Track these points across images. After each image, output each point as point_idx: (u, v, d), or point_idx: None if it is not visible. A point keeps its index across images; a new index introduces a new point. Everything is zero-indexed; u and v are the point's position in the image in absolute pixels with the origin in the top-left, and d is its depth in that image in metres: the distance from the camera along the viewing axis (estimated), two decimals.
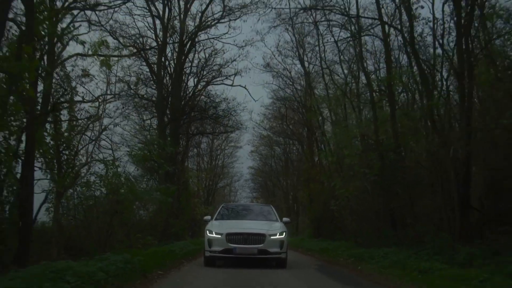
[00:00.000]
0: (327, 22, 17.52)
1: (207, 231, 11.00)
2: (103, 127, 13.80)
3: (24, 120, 9.57)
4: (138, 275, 7.75)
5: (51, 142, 13.07)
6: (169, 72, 22.68)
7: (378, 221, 14.71)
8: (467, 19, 10.46)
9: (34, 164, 9.74)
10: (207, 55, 23.56)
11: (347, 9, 17.31)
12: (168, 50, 22.04)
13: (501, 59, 10.02)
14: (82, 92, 14.43)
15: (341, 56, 20.26)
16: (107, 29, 17.19)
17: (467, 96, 10.28)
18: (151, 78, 22.32)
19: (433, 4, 12.97)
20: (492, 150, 11.12)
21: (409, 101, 16.56)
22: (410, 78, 14.79)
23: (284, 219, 12.36)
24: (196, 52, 23.36)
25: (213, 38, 22.62)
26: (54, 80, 12.78)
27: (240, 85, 23.19)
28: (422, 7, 13.29)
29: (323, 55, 21.36)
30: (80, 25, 12.39)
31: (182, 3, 21.78)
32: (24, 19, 8.95)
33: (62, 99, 13.65)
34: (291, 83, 27.60)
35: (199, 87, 23.98)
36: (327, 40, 20.42)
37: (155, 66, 21.68)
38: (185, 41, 22.01)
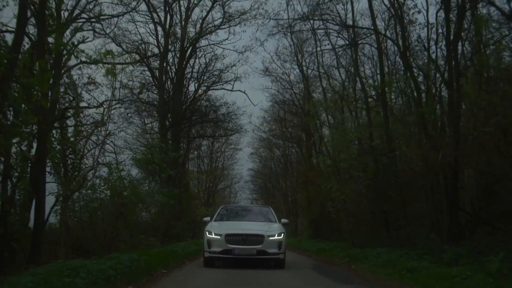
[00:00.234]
0: (325, 30, 18.07)
1: (207, 232, 11.12)
2: (107, 132, 14.31)
3: (34, 127, 10.14)
4: (144, 273, 8.31)
5: (58, 147, 13.64)
6: (170, 76, 23.28)
7: (373, 222, 15.24)
8: (455, 30, 10.99)
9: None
10: (207, 60, 24.22)
11: (344, 17, 17.98)
12: (169, 55, 22.62)
13: (485, 69, 10.53)
14: (88, 99, 15.03)
15: (339, 62, 20.87)
16: (111, 36, 17.71)
17: (455, 104, 10.81)
18: (153, 83, 22.91)
19: (427, 11, 13.45)
20: (482, 154, 11.66)
21: (405, 106, 17.12)
22: (405, 84, 15.35)
23: (283, 220, 12.54)
24: (197, 58, 23.98)
25: (213, 44, 23.26)
26: (61, 87, 13.36)
27: (239, 90, 23.80)
28: (416, 19, 13.90)
29: (320, 60, 21.95)
30: (87, 37, 12.83)
31: (183, 9, 22.42)
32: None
33: (68, 105, 14.23)
34: (290, 87, 28.15)
35: (200, 91, 24.58)
36: (325, 45, 20.99)
37: (156, 71, 22.28)
38: (186, 47, 22.60)
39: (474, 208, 12.65)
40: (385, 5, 14.61)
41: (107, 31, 17.77)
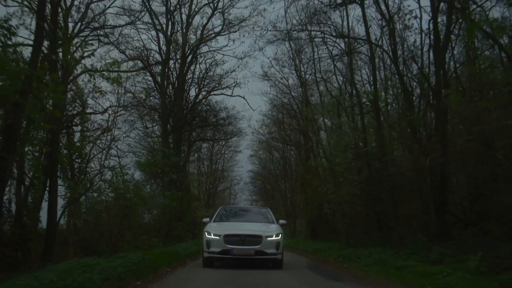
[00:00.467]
0: (322, 38, 18.73)
1: (206, 233, 11.18)
2: (112, 137, 14.97)
3: (44, 134, 10.82)
4: (150, 271, 8.98)
5: (65, 151, 14.32)
6: (172, 81, 23.95)
7: (366, 223, 15.93)
8: (443, 42, 11.68)
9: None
10: (207, 66, 24.90)
11: (340, 24, 18.64)
12: (171, 62, 23.30)
13: (468, 81, 11.22)
14: (93, 105, 15.72)
15: (335, 67, 21.51)
16: (115, 44, 18.36)
17: (442, 113, 11.48)
18: (155, 88, 23.59)
19: (420, 19, 14.08)
20: (468, 160, 12.33)
21: (400, 110, 17.77)
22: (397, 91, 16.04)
23: (281, 221, 12.66)
24: (198, 63, 24.66)
25: (213, 50, 23.93)
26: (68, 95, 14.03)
27: (239, 95, 24.49)
28: (412, 24, 14.46)
29: (318, 65, 22.58)
30: (95, 49, 13.50)
31: (184, 17, 23.11)
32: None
33: (76, 113, 14.92)
34: (288, 91, 28.78)
35: (200, 96, 25.26)
36: (323, 50, 21.61)
37: (158, 76, 22.96)
38: (187, 53, 23.28)
39: (463, 209, 13.34)
40: (379, 12, 15.25)
41: (111, 38, 18.46)
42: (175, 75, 23.78)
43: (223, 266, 11.08)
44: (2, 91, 7.60)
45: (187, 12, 22.92)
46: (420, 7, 13.56)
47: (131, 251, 11.48)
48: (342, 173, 16.47)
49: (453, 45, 12.33)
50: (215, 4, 22.70)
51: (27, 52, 10.64)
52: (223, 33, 23.65)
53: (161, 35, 22.43)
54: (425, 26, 15.89)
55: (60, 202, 13.48)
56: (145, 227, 18.04)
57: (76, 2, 14.18)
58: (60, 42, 11.55)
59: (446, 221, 12.35)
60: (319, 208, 22.04)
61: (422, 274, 8.79)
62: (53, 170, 9.86)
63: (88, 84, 13.26)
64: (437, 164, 11.40)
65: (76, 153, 15.22)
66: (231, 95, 24.36)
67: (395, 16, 14.53)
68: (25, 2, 9.18)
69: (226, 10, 23.08)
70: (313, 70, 23.12)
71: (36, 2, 9.31)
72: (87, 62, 12.55)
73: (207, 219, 12.61)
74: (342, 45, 19.33)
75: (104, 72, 14.20)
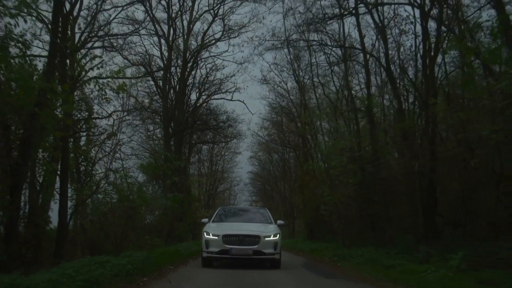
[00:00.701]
0: (319, 45, 19.38)
1: (205, 233, 11.30)
2: (117, 141, 15.60)
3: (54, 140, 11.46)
4: (155, 269, 9.65)
5: (71, 155, 14.95)
6: (173, 85, 24.62)
7: (361, 224, 16.58)
8: (431, 55, 12.35)
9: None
10: (208, 70, 25.58)
11: (337, 31, 19.28)
12: (172, 67, 23.95)
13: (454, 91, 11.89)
14: (97, 110, 16.35)
15: (333, 72, 22.16)
16: (119, 51, 19.01)
17: (430, 120, 12.15)
18: (157, 92, 24.27)
19: (415, 25, 14.71)
20: (455, 164, 12.99)
21: (394, 116, 18.43)
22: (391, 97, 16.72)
23: (279, 221, 12.79)
24: (198, 68, 25.34)
25: (214, 55, 24.60)
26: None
27: (238, 100, 25.16)
28: (409, 28, 15.02)
29: (315, 70, 23.23)
30: (101, 60, 14.07)
31: (185, 23, 23.77)
32: None
33: (81, 118, 15.55)
34: (287, 95, 29.43)
35: (201, 100, 25.93)
36: (320, 55, 22.25)
37: (160, 81, 23.63)
38: (188, 59, 23.93)
39: (454, 211, 13.99)
40: (373, 22, 15.89)
41: (115, 44, 19.12)
42: (177, 79, 24.45)
43: (222, 266, 11.34)
44: (19, 101, 8.25)
45: (188, 18, 23.60)
46: (414, 16, 14.29)
47: (135, 251, 12.11)
48: (338, 176, 17.14)
49: (443, 56, 12.92)
50: (216, 11, 23.40)
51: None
52: (223, 39, 24.36)
53: (163, 41, 23.10)
54: (419, 28, 16.48)
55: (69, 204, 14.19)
56: (147, 228, 18.65)
57: (82, 13, 14.81)
58: (68, 51, 12.16)
59: (435, 223, 13.02)
60: (316, 209, 22.66)
61: (408, 272, 9.44)
62: (64, 174, 10.53)
63: (93, 90, 13.83)
64: (426, 169, 12.05)
65: (82, 157, 15.83)
66: (231, 99, 25.06)
67: (391, 21, 15.19)
68: (39, 17, 9.77)
69: (226, 16, 23.79)
70: (311, 75, 23.85)
71: (50, 18, 9.95)
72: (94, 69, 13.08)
73: (206, 220, 12.73)
74: (339, 51, 20.00)
75: (109, 79, 14.94)
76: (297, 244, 25.73)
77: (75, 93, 14.70)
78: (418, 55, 14.31)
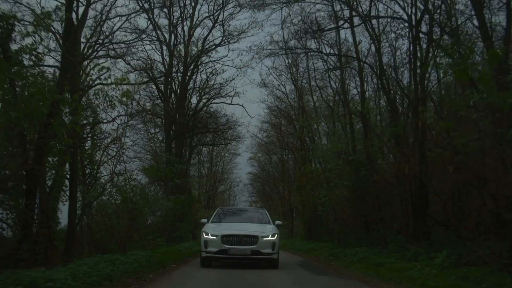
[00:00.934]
0: (316, 52, 20.04)
1: (204, 233, 11.48)
2: (122, 144, 16.28)
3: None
4: (159, 266, 10.34)
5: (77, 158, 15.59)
6: (174, 89, 25.28)
7: (355, 225, 17.25)
8: (421, 66, 12.98)
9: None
10: (208, 74, 26.26)
11: (334, 38, 19.93)
12: (173, 71, 24.62)
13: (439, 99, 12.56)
14: (101, 114, 17.01)
15: (330, 77, 22.83)
16: (122, 57, 19.66)
17: (420, 126, 12.79)
18: (158, 96, 24.95)
19: (409, 33, 15.27)
20: (445, 167, 13.64)
21: (387, 121, 19.10)
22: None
23: (277, 222, 13.02)
24: (199, 73, 26.01)
25: (214, 60, 25.28)
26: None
27: (238, 104, 25.89)
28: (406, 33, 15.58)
29: (312, 74, 23.92)
30: (107, 70, 14.73)
31: (186, 29, 24.45)
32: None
33: (86, 122, 16.21)
34: (285, 98, 30.07)
35: (201, 104, 26.61)
36: (317, 60, 22.89)
37: (161, 85, 24.31)
38: (188, 63, 24.60)
39: (446, 212, 14.64)
40: (368, 32, 16.55)
41: (118, 51, 19.78)
42: (178, 83, 25.11)
43: (221, 266, 11.71)
44: (34, 111, 8.92)
45: (189, 24, 24.28)
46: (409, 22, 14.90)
47: (138, 250, 12.76)
48: (334, 179, 17.81)
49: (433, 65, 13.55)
50: (215, 18, 24.08)
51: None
52: (223, 44, 25.03)
53: (164, 46, 23.77)
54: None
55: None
56: (150, 228, 19.32)
57: (88, 22, 15.44)
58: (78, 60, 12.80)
59: (426, 223, 13.66)
60: (313, 210, 23.33)
61: (396, 270, 10.10)
62: (73, 177, 11.19)
63: (99, 96, 14.45)
64: (416, 172, 12.70)
65: (88, 160, 16.50)
66: (230, 103, 25.74)
67: (387, 26, 15.82)
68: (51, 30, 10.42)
69: (226, 22, 24.47)
70: (308, 79, 24.52)
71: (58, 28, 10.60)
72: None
73: (205, 220, 12.87)
74: (336, 56, 20.64)
75: (114, 86, 15.59)
76: (295, 244, 26.43)
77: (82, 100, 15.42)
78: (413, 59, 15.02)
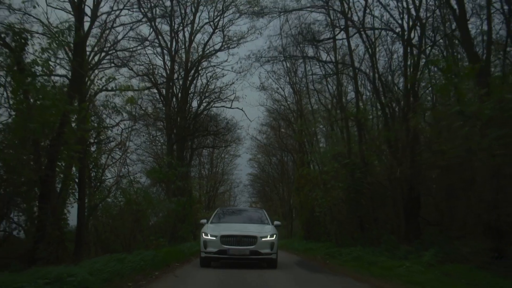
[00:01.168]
0: (314, 57, 20.74)
1: (203, 234, 11.56)
2: (126, 148, 16.93)
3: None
4: (163, 265, 10.99)
5: None
6: (175, 93, 25.93)
7: (351, 225, 17.91)
8: (413, 74, 13.65)
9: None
10: (208, 78, 26.93)
11: (331, 43, 20.56)
12: (174, 76, 25.28)
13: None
14: (106, 119, 17.66)
15: (327, 81, 23.51)
16: (126, 64, 20.31)
17: (410, 132, 13.45)
18: (160, 100, 25.61)
19: (404, 39, 15.93)
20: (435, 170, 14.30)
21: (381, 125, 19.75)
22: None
23: (275, 222, 13.09)
24: (199, 77, 26.68)
25: (214, 65, 25.96)
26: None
27: (237, 108, 26.60)
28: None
29: (310, 78, 24.54)
30: (113, 78, 15.37)
31: (187, 34, 25.11)
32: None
33: (91, 127, 16.86)
34: (284, 101, 30.70)
35: (202, 108, 27.29)
36: (315, 65, 23.54)
37: (163, 89, 24.98)
38: (189, 68, 25.26)
39: (441, 212, 15.29)
40: (362, 41, 17.20)
41: (121, 57, 20.44)
42: (179, 87, 25.76)
43: (220, 266, 11.86)
44: (46, 121, 9.58)
45: (190, 30, 24.93)
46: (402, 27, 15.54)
47: (142, 250, 13.38)
48: (330, 181, 18.49)
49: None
50: (216, 24, 24.75)
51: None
52: (223, 49, 25.71)
53: (166, 52, 24.44)
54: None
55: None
56: (152, 229, 19.95)
57: (93, 31, 16.08)
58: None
59: (418, 223, 14.31)
60: (311, 211, 23.93)
61: (387, 268, 10.73)
62: (81, 181, 11.86)
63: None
64: (406, 175, 13.37)
65: (93, 163, 17.13)
66: (230, 107, 26.41)
67: (383, 31, 16.45)
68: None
69: (226, 28, 25.14)
70: (306, 83, 25.16)
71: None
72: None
73: (204, 220, 12.95)
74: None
75: (119, 92, 16.23)
76: (294, 243, 27.00)
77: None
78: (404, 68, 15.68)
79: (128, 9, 17.42)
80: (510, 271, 7.72)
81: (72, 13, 13.62)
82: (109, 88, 14.52)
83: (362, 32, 15.62)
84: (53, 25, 12.98)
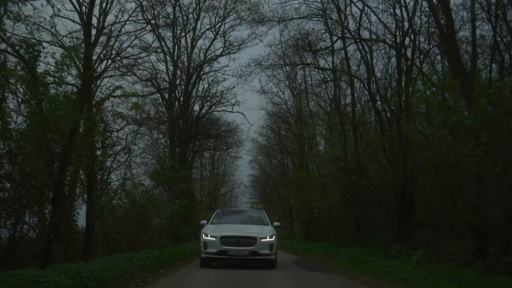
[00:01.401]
0: (314, 62, 21.40)
1: (203, 234, 11.69)
2: (131, 152, 17.59)
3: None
4: (167, 264, 11.66)
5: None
6: (177, 97, 26.64)
7: (348, 226, 18.58)
8: (406, 83, 14.30)
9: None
10: (209, 82, 27.65)
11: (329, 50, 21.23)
12: (177, 81, 26.00)
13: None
14: (111, 123, 18.30)
15: (326, 86, 24.16)
16: (130, 70, 21.00)
17: (403, 137, 14.08)
18: (163, 104, 26.34)
19: (400, 43, 16.57)
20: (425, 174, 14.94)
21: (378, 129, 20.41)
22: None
23: (275, 223, 13.25)
24: (201, 81, 27.40)
25: (215, 70, 26.68)
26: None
27: (238, 112, 27.37)
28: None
29: (309, 82, 25.23)
30: (119, 86, 16.03)
31: (189, 40, 25.82)
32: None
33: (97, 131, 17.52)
34: (284, 104, 31.36)
35: (203, 111, 28.01)
36: (314, 71, 24.21)
37: (166, 93, 25.69)
38: (191, 72, 25.97)
39: (434, 212, 15.93)
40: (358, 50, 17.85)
41: (125, 63, 21.13)
42: (181, 92, 26.46)
43: (220, 266, 12.05)
44: (59, 128, 10.25)
45: (192, 36, 25.62)
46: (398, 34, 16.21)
47: (147, 250, 14.03)
48: (327, 183, 19.16)
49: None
50: (217, 30, 25.47)
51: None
52: (224, 54, 26.44)
53: (168, 57, 25.15)
54: None
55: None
56: (156, 230, 20.62)
57: (100, 39, 16.75)
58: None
59: (411, 224, 14.95)
60: (310, 212, 24.61)
61: (378, 266, 11.39)
62: (90, 184, 12.55)
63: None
64: (399, 179, 14.02)
65: (99, 166, 17.79)
66: (231, 111, 27.14)
67: (381, 35, 17.12)
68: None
69: (227, 33, 25.84)
70: (305, 88, 25.85)
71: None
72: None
73: (204, 221, 13.07)
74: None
75: (124, 100, 16.86)
76: (293, 244, 27.73)
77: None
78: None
79: (134, 21, 18.07)
80: (489, 268, 8.34)
81: (79, 22, 14.36)
82: (115, 95, 15.21)
83: (358, 42, 16.28)
84: (59, 33, 13.73)
